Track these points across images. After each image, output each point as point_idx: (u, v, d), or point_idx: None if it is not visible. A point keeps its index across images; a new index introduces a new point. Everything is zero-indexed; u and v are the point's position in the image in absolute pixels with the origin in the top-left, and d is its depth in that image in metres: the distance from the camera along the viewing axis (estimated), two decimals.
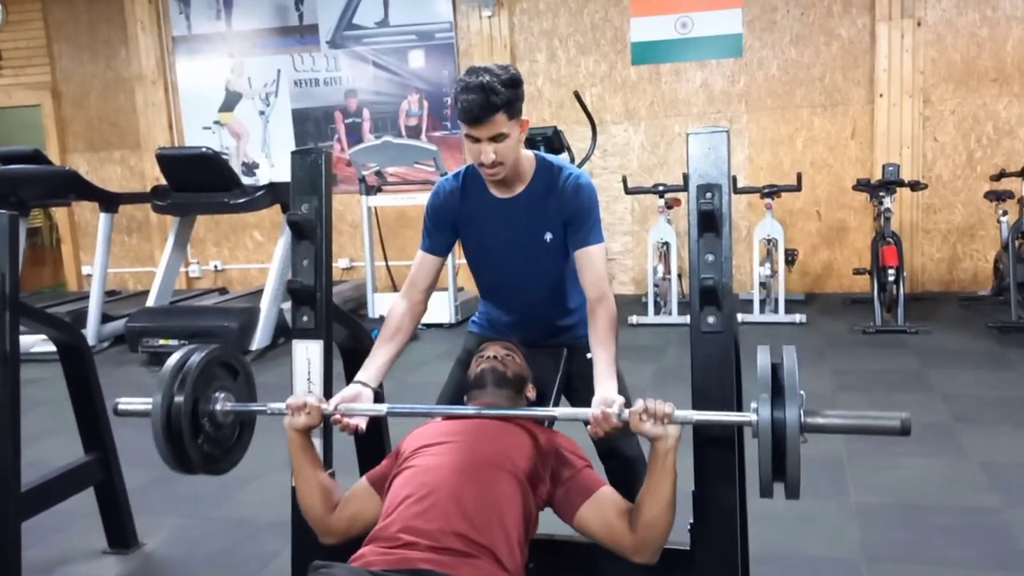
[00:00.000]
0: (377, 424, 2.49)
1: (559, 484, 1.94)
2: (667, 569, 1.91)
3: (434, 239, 2.32)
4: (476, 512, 1.78)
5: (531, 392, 2.22)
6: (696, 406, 1.85)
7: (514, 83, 2.05)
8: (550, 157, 2.29)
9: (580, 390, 2.39)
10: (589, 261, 2.19)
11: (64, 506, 2.88)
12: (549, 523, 1.98)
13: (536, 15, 7.42)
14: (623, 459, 2.37)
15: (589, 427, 1.90)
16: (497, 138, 2.06)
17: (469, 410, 2.06)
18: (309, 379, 2.16)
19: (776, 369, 1.76)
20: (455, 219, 2.30)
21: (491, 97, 2.00)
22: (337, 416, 2.03)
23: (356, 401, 2.08)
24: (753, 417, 1.72)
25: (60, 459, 3.06)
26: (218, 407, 2.07)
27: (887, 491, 3.27)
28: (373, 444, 2.47)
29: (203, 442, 2.04)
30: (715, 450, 1.85)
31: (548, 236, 2.24)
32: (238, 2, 8.00)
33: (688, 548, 1.87)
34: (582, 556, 2.04)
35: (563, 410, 2.06)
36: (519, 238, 2.26)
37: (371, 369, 2.17)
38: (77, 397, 2.97)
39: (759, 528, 2.25)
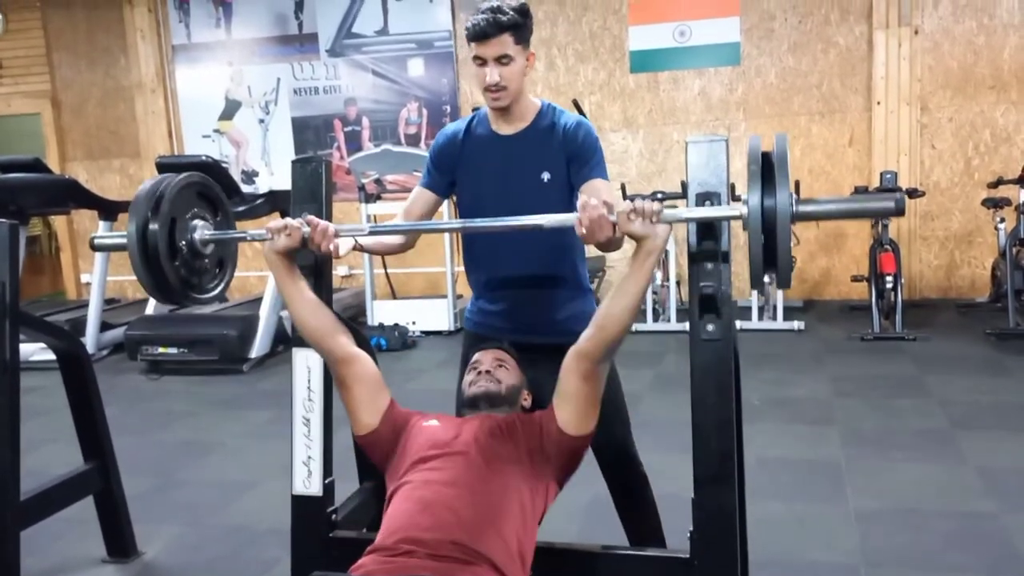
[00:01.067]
0: None
1: (544, 440, 1.96)
2: None
3: (432, 177, 2.38)
4: (473, 522, 1.78)
5: (527, 400, 2.21)
6: (695, 412, 1.85)
7: (523, 11, 2.15)
8: (555, 104, 2.33)
9: None
10: (595, 190, 2.17)
11: (63, 514, 2.88)
12: (550, 531, 1.99)
13: (535, 24, 7.38)
14: (624, 468, 2.37)
15: (576, 223, 1.83)
16: (503, 59, 2.13)
17: (454, 224, 2.05)
18: (309, 387, 2.17)
19: (766, 157, 1.72)
20: (454, 160, 2.34)
21: (499, 16, 2.10)
22: (315, 223, 1.98)
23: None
24: (743, 209, 1.69)
25: (59, 467, 3.06)
26: (196, 235, 2.04)
27: (885, 496, 3.28)
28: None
29: (180, 266, 2.01)
30: (714, 456, 1.85)
31: (546, 176, 2.25)
32: (238, 11, 8.02)
33: (688, 556, 1.87)
34: (583, 563, 2.05)
35: (551, 217, 1.93)
36: (515, 175, 2.26)
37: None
38: (76, 405, 2.97)
39: (758, 533, 2.26)
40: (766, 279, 6.07)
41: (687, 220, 1.82)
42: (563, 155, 2.23)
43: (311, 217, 2.00)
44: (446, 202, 2.52)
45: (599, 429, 2.03)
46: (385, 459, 2.03)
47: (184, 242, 2.02)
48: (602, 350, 1.89)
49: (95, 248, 2.11)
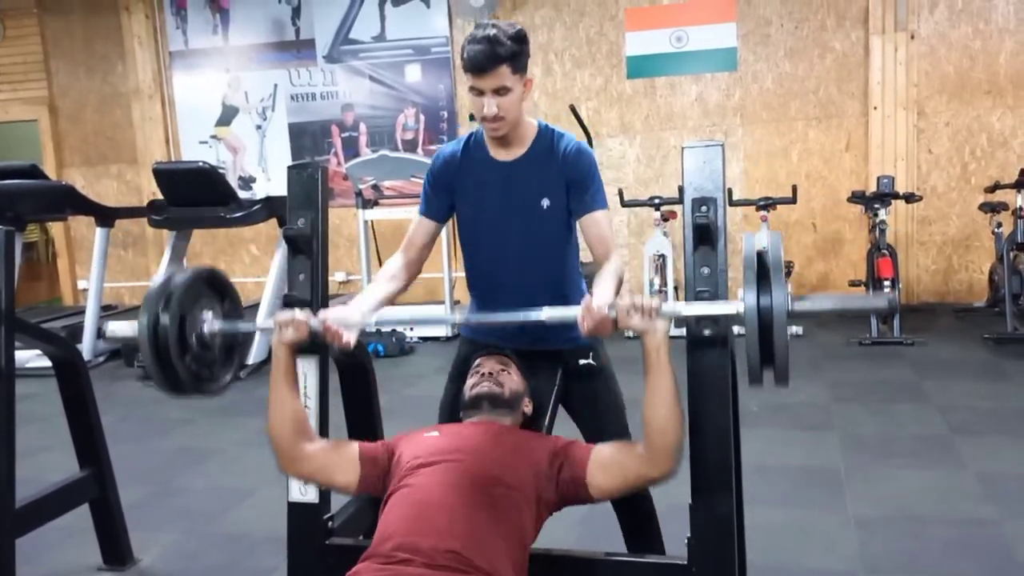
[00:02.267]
0: (371, 418, 2.49)
1: (561, 475, 1.93)
2: None
3: (431, 203, 2.33)
4: (471, 530, 1.77)
5: (528, 407, 2.21)
6: (693, 419, 1.85)
7: (520, 38, 2.09)
8: (553, 126, 2.30)
9: (577, 397, 2.38)
10: (595, 224, 2.18)
11: (59, 522, 2.87)
12: (549, 538, 1.98)
13: (532, 29, 7.44)
14: (642, 514, 2.36)
15: (579, 322, 1.86)
16: (500, 91, 2.08)
17: (458, 317, 2.05)
18: (306, 393, 2.16)
19: (761, 256, 1.74)
20: (452, 183, 2.30)
21: (496, 48, 2.04)
22: (327, 326, 1.98)
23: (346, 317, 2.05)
24: (740, 306, 1.71)
25: (55, 475, 3.05)
26: (206, 327, 2.04)
27: (885, 503, 3.27)
28: (366, 438, 2.45)
29: (191, 361, 2.01)
30: (712, 462, 1.84)
31: (545, 202, 2.23)
32: (235, 17, 8.02)
33: (686, 562, 1.86)
34: (582, 570, 2.04)
35: (552, 311, 1.97)
36: (515, 201, 2.25)
37: (364, 301, 2.16)
38: (72, 412, 2.96)
39: (757, 540, 2.25)
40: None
41: (686, 316, 1.82)
42: (562, 181, 2.22)
43: (328, 322, 1.99)
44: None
45: (597, 438, 2.02)
46: (386, 485, 2.00)
47: (194, 337, 2.03)
48: (664, 458, 1.84)
49: (107, 338, 2.13)
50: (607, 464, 1.91)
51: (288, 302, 2.18)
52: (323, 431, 2.16)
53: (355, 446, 2.04)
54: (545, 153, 2.23)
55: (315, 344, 2.08)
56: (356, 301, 2.16)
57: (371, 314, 2.11)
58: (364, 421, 2.50)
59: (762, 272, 1.71)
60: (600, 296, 1.92)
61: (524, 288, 2.28)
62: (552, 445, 1.99)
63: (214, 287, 2.12)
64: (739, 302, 1.71)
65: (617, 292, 2.05)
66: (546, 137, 2.25)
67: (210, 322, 2.05)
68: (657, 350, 1.82)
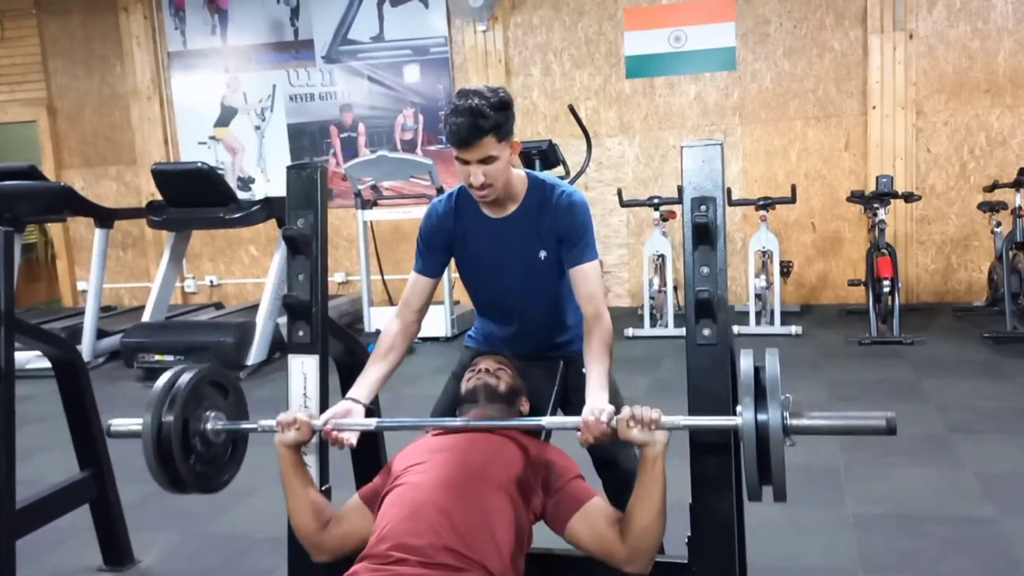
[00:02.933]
0: (372, 439, 2.49)
1: (550, 495, 1.94)
2: None
3: (427, 261, 2.32)
4: (466, 527, 1.77)
5: (524, 406, 2.22)
6: (693, 416, 1.85)
7: (503, 106, 2.04)
8: (542, 175, 2.29)
9: (576, 403, 2.38)
10: (584, 278, 2.19)
11: (59, 523, 2.87)
12: (545, 537, 1.98)
13: (530, 29, 7.46)
14: (621, 472, 2.36)
15: (579, 435, 1.90)
16: (486, 160, 2.05)
17: (458, 422, 2.06)
18: (305, 394, 2.16)
19: (758, 372, 1.76)
20: (449, 241, 2.30)
21: (479, 121, 1.99)
22: (328, 430, 2.02)
23: (347, 417, 2.07)
24: (738, 421, 1.73)
25: (55, 476, 3.05)
26: (209, 426, 2.07)
27: (883, 501, 3.27)
28: (369, 458, 2.46)
29: (195, 462, 2.04)
30: (711, 461, 1.85)
31: (543, 254, 2.24)
32: (233, 18, 8.02)
33: (686, 561, 1.87)
34: (576, 570, 2.04)
35: (552, 419, 2.06)
36: (513, 257, 2.26)
37: (363, 386, 2.17)
38: (72, 413, 2.96)
39: (756, 539, 2.26)
40: (760, 284, 6.02)
41: (685, 428, 1.83)
42: (555, 235, 2.22)
43: (328, 427, 2.01)
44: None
45: (595, 447, 2.02)
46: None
47: (197, 437, 2.05)
48: (640, 560, 1.84)
49: (111, 435, 2.15)
50: (592, 526, 1.89)
51: (288, 302, 2.18)
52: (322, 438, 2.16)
53: (356, 499, 2.05)
54: (537, 206, 2.23)
55: (314, 345, 2.08)
56: (357, 386, 2.17)
57: (371, 421, 2.10)
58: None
59: (759, 391, 1.73)
60: (597, 404, 1.93)
61: (527, 325, 2.37)
62: (546, 461, 1.99)
63: (217, 385, 2.15)
64: (737, 417, 1.74)
65: (609, 369, 2.08)
66: (537, 190, 2.24)
67: (213, 421, 2.07)
68: (654, 461, 1.82)
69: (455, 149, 2.05)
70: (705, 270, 1.88)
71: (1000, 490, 3.31)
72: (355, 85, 7.84)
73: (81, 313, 6.65)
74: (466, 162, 2.06)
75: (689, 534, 1.86)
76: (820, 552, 2.91)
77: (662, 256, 6.38)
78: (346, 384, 2.47)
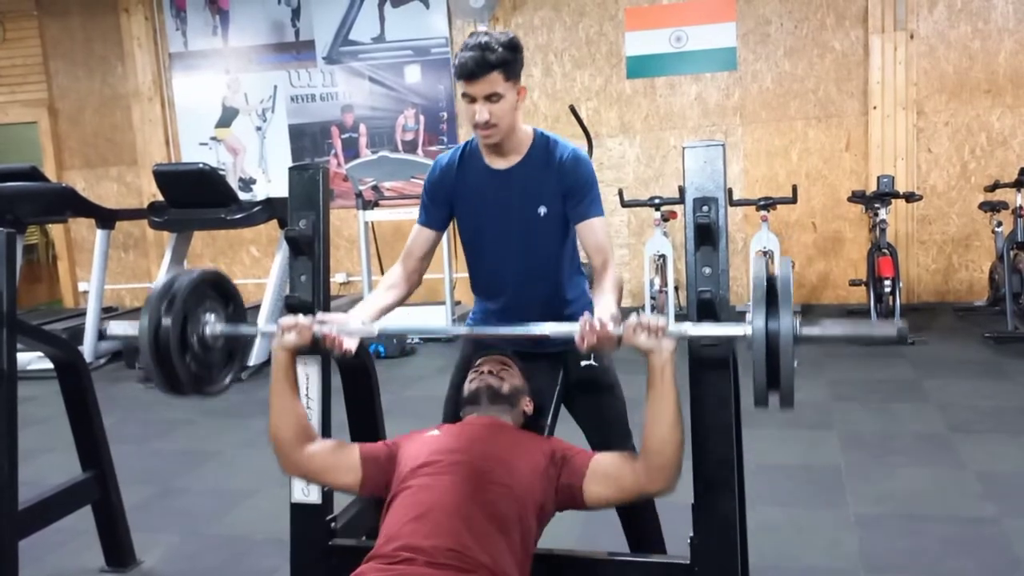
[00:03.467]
0: (372, 418, 2.49)
1: (559, 481, 1.93)
2: None
3: (430, 213, 2.34)
4: (474, 530, 1.77)
5: (528, 406, 2.21)
6: (695, 418, 1.86)
7: (512, 46, 2.09)
8: (548, 133, 2.30)
9: (579, 400, 2.39)
10: (591, 231, 2.19)
11: (61, 524, 2.87)
12: (550, 538, 1.98)
13: (531, 30, 7.46)
14: (642, 510, 2.37)
15: (577, 338, 1.86)
16: (492, 97, 2.08)
17: (461, 329, 2.05)
18: (307, 394, 2.17)
19: (771, 280, 1.74)
20: (450, 193, 2.31)
21: (487, 54, 2.04)
22: (329, 332, 1.99)
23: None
24: (748, 329, 1.71)
25: (57, 477, 3.05)
26: (207, 330, 2.04)
27: (885, 501, 3.27)
28: (368, 439, 2.45)
29: (191, 361, 2.01)
30: (714, 461, 1.85)
31: (542, 210, 2.23)
32: (234, 19, 8.03)
33: (688, 561, 1.87)
34: (584, 570, 2.04)
35: (555, 326, 2.00)
36: (513, 211, 2.25)
37: (364, 309, 2.18)
38: (74, 414, 2.96)
39: (758, 539, 2.26)
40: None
41: (692, 337, 1.82)
42: (559, 189, 2.22)
43: (327, 327, 2.00)
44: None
45: (600, 441, 2.03)
46: (390, 486, 2.01)
47: (195, 337, 2.02)
48: (662, 476, 1.84)
49: (106, 338, 2.13)
50: (605, 475, 1.91)
51: (290, 303, 2.19)
52: (325, 432, 2.16)
53: (356, 449, 2.04)
54: (541, 161, 2.23)
55: (316, 346, 2.08)
56: (357, 309, 2.17)
57: (373, 323, 2.11)
58: (366, 422, 2.51)
59: (771, 295, 1.71)
60: (603, 311, 1.92)
61: (526, 291, 2.30)
62: (551, 448, 2.00)
63: (218, 290, 2.12)
64: (747, 325, 1.72)
65: (618, 302, 2.07)
66: (542, 145, 2.25)
67: (212, 324, 2.05)
68: (662, 370, 1.81)
69: (463, 84, 2.09)
70: (707, 270, 1.88)
71: (1001, 490, 3.31)
72: (356, 86, 7.84)
73: (83, 314, 6.65)
74: (472, 99, 2.09)
75: (691, 534, 1.86)
76: (821, 551, 2.91)
77: (663, 256, 6.38)
78: (348, 385, 2.48)
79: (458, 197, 2.30)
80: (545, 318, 2.32)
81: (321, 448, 2.04)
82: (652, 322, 1.80)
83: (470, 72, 2.05)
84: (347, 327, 2.03)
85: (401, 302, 2.29)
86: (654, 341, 1.80)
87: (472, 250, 2.38)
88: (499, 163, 2.25)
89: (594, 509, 1.96)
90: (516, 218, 2.25)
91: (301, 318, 2.01)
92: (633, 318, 1.81)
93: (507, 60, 2.07)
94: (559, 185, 2.21)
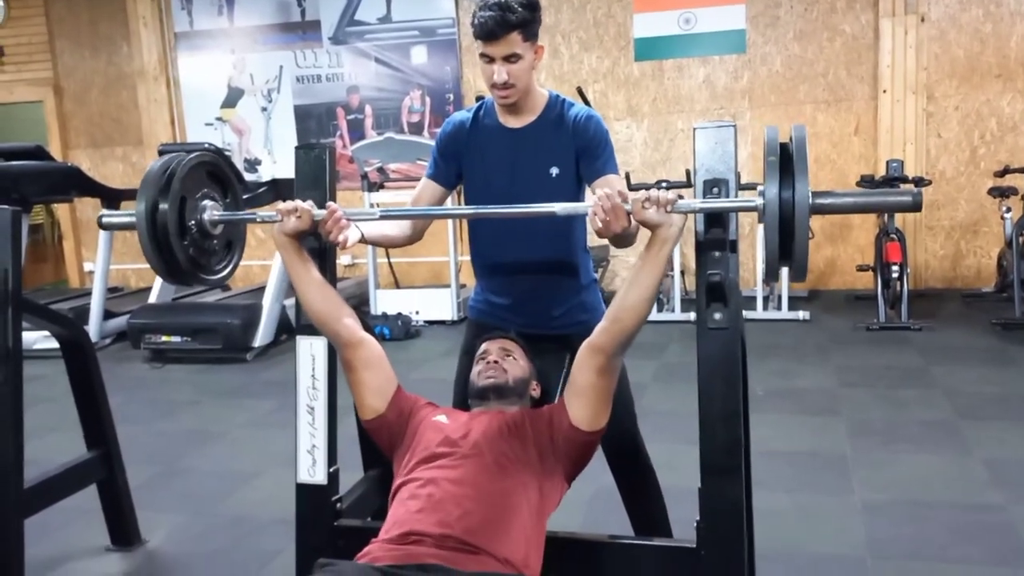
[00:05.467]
0: None
1: (554, 437, 1.95)
2: (674, 567, 1.91)
3: (439, 167, 2.33)
4: (482, 523, 1.77)
5: (535, 390, 2.20)
6: (702, 403, 1.84)
7: (532, 6, 2.08)
8: (563, 95, 2.29)
9: None
10: (609, 186, 2.16)
11: (66, 503, 2.88)
12: (555, 521, 1.98)
13: None
14: (621, 431, 2.33)
15: (590, 215, 1.83)
16: (511, 58, 2.08)
17: (466, 210, 2.03)
18: (313, 375, 2.15)
19: (784, 147, 1.70)
20: (461, 150, 2.29)
21: (507, 15, 2.03)
22: (331, 217, 1.97)
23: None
24: (759, 201, 1.68)
25: (62, 456, 3.05)
26: (206, 215, 2.02)
27: (891, 488, 3.26)
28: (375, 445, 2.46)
29: (189, 245, 1.98)
30: (721, 446, 1.83)
31: (554, 170, 2.22)
32: None
33: (694, 546, 1.86)
34: (589, 553, 2.03)
35: (564, 205, 1.95)
36: (524, 169, 2.23)
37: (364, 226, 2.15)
38: (79, 394, 2.96)
39: (765, 525, 2.25)
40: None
41: (701, 211, 1.80)
42: (572, 149, 2.21)
43: (333, 208, 1.97)
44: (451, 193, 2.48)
45: (608, 427, 2.01)
46: (391, 445, 2.03)
47: (194, 222, 2.00)
48: (617, 343, 1.87)
49: (103, 227, 2.09)
50: (575, 390, 1.93)
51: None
52: (332, 413, 2.15)
53: (394, 382, 2.07)
54: (555, 121, 2.23)
55: (316, 235, 2.03)
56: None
57: (376, 216, 2.06)
58: None
59: (784, 164, 1.66)
60: (612, 186, 1.91)
61: (530, 257, 2.28)
62: (548, 418, 2.00)
63: (216, 177, 2.10)
64: (757, 196, 1.67)
65: (635, 231, 1.99)
66: (556, 106, 2.25)
67: (210, 211, 2.03)
68: (663, 243, 1.80)
69: (481, 44, 2.07)
70: (716, 254, 1.86)
71: (1008, 476, 3.30)
72: (362, 67, 7.80)
73: (88, 294, 6.65)
74: (491, 59, 2.09)
75: (698, 519, 1.85)
76: (828, 538, 2.90)
77: None
78: None
79: (468, 154, 2.29)
80: (546, 296, 2.32)
81: (373, 348, 2.04)
82: (662, 195, 1.77)
83: (489, 32, 2.04)
84: (348, 213, 2.00)
85: (400, 241, 2.27)
86: (664, 215, 1.78)
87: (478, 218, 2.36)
88: (513, 122, 2.24)
89: (594, 429, 1.94)
90: (526, 177, 2.23)
91: (300, 203, 1.97)
92: (642, 192, 1.79)
93: (527, 20, 2.06)
94: (572, 144, 2.20)
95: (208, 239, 2.05)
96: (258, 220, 2.08)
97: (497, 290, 2.37)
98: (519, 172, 2.24)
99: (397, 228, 2.27)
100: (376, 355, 2.05)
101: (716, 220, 1.86)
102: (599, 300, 2.39)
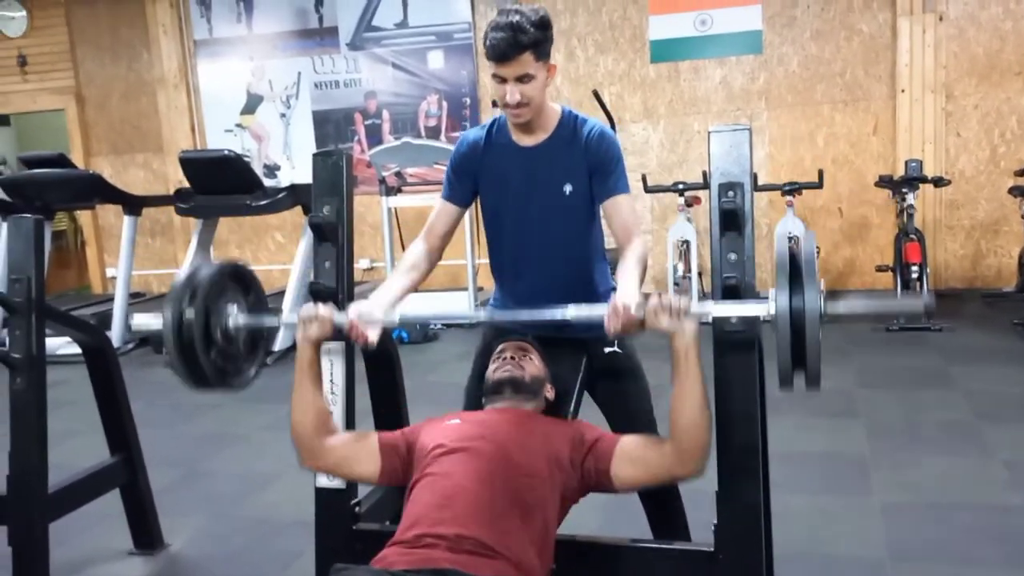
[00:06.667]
0: (396, 410, 2.50)
1: (584, 466, 1.93)
2: (692, 569, 1.91)
3: (454, 188, 2.33)
4: (495, 518, 1.78)
5: (550, 392, 2.20)
6: (719, 405, 1.85)
7: (543, 24, 2.08)
8: (576, 111, 2.29)
9: (602, 387, 2.38)
10: (617, 208, 2.18)
11: (90, 507, 2.91)
12: (573, 524, 1.98)
13: (554, 14, 7.38)
14: (666, 497, 2.35)
15: (606, 323, 1.85)
16: (523, 78, 2.08)
17: (482, 314, 2.05)
18: (331, 379, 2.17)
19: (794, 255, 1.71)
20: (476, 169, 2.30)
21: (519, 36, 2.02)
22: (352, 322, 1.99)
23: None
24: (771, 307, 1.68)
25: (86, 460, 3.09)
26: (230, 321, 2.05)
27: (911, 489, 3.25)
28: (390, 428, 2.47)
29: (215, 356, 2.01)
30: (738, 449, 1.84)
31: (568, 188, 2.22)
32: (259, 5, 8.04)
33: (712, 549, 1.86)
34: (606, 556, 2.04)
35: (577, 308, 1.96)
36: (539, 188, 2.24)
37: (385, 294, 2.16)
38: (102, 399, 3.00)
39: (783, 527, 2.25)
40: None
41: (715, 316, 1.79)
42: (585, 166, 2.21)
43: (353, 317, 1.99)
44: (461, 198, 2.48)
45: (623, 430, 2.01)
46: (409, 474, 2.01)
47: (219, 331, 2.03)
48: (692, 459, 1.83)
49: (132, 332, 2.14)
50: (632, 458, 1.90)
51: (314, 289, 2.19)
52: (350, 418, 2.17)
53: (374, 437, 2.05)
54: (568, 138, 2.23)
55: (340, 332, 2.08)
56: (377, 295, 2.15)
57: (394, 311, 2.09)
58: (390, 409, 2.51)
59: (794, 272, 1.67)
60: (626, 294, 1.90)
61: (548, 274, 2.28)
62: (575, 432, 1.99)
63: (238, 280, 2.13)
64: (770, 303, 1.68)
65: (642, 280, 2.05)
66: (569, 122, 2.25)
67: (235, 316, 2.06)
68: (686, 352, 1.79)
69: (493, 65, 2.08)
70: (733, 256, 1.86)
71: None
72: (379, 72, 7.84)
73: (110, 299, 6.72)
74: (503, 79, 2.09)
75: (715, 522, 1.85)
76: (847, 540, 2.89)
77: (687, 242, 6.35)
78: (372, 371, 2.49)
79: (483, 173, 2.30)
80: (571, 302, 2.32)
81: (340, 440, 2.05)
82: (673, 303, 1.77)
83: (501, 53, 2.04)
84: (369, 316, 2.00)
85: (422, 281, 2.28)
86: (676, 323, 1.78)
87: (494, 229, 2.37)
88: (526, 140, 2.25)
89: (624, 492, 1.95)
90: (541, 195, 2.24)
91: (321, 308, 2.00)
92: (654, 299, 1.79)
93: (538, 40, 2.06)
94: (585, 162, 2.21)
95: (233, 344, 2.07)
96: (281, 324, 2.09)
97: (515, 296, 2.38)
98: (533, 191, 2.25)
99: (415, 276, 2.26)
100: (342, 448, 2.04)
101: (732, 222, 1.87)
102: None
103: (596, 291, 2.34)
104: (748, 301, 1.80)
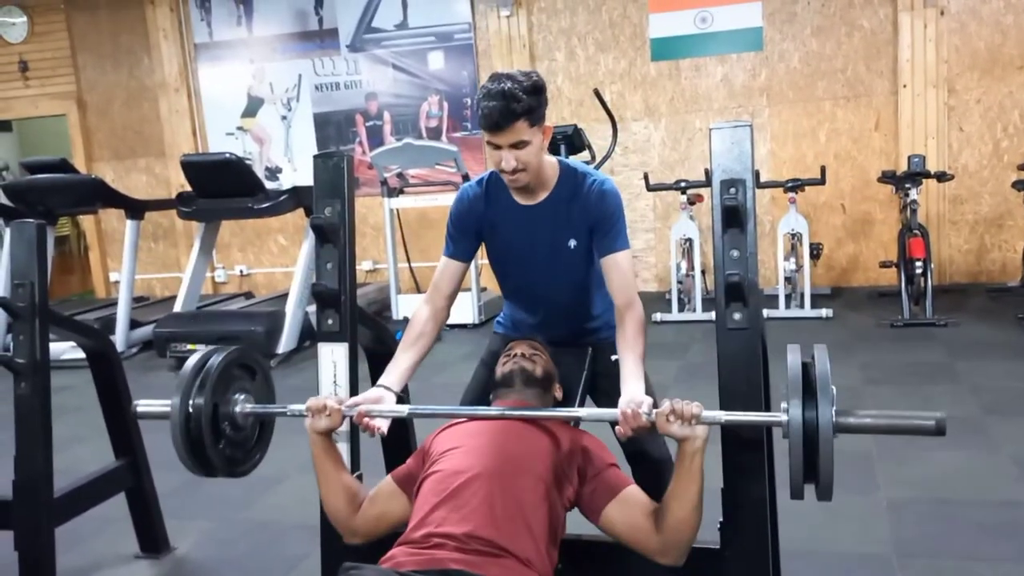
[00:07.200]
0: (403, 425, 2.50)
1: (585, 483, 1.93)
2: (697, 567, 1.90)
3: (458, 245, 2.32)
4: (503, 515, 1.78)
5: (558, 392, 2.22)
6: (723, 403, 1.84)
7: (536, 90, 2.04)
8: (574, 163, 2.29)
9: (605, 389, 2.38)
10: (616, 267, 2.18)
11: (96, 511, 2.91)
12: (577, 524, 1.98)
13: (554, 14, 7.41)
14: (651, 462, 2.35)
15: (617, 427, 1.88)
16: (518, 145, 2.05)
17: (492, 411, 2.04)
18: (335, 381, 2.17)
19: (807, 368, 1.72)
20: (479, 225, 2.30)
21: (512, 104, 1.98)
22: (360, 415, 2.00)
23: (378, 404, 2.05)
24: (783, 417, 1.68)
25: (91, 465, 3.09)
26: (238, 409, 2.06)
27: (917, 485, 3.24)
28: (399, 445, 2.47)
29: (224, 446, 2.03)
30: (744, 447, 1.83)
31: (572, 243, 2.24)
32: (258, 8, 8.05)
33: (718, 547, 1.86)
34: (610, 557, 2.04)
35: (589, 410, 2.03)
36: (543, 245, 2.25)
37: (393, 374, 2.16)
38: (107, 403, 3.00)
39: (789, 524, 2.24)
40: (790, 266, 5.93)
41: (726, 424, 1.79)
42: (586, 224, 2.21)
43: (360, 410, 1.99)
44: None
45: (628, 439, 2.01)
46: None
47: (227, 422, 2.04)
48: (674, 552, 1.82)
49: (138, 417, 2.15)
50: (628, 515, 1.87)
51: (316, 291, 2.19)
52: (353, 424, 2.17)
53: (389, 480, 2.05)
54: (568, 197, 2.22)
55: (343, 333, 2.08)
56: (388, 374, 2.15)
57: (404, 405, 2.11)
58: None
59: (807, 386, 1.68)
60: (634, 395, 1.91)
61: (552, 308, 2.36)
62: (582, 442, 1.99)
63: (245, 367, 2.14)
64: (782, 414, 1.68)
65: (643, 356, 2.06)
66: (569, 178, 2.23)
67: (242, 404, 2.07)
68: (693, 456, 1.78)
69: (487, 133, 2.04)
70: (735, 253, 1.86)
71: None
72: (380, 73, 7.84)
73: (114, 304, 6.73)
74: (498, 147, 2.06)
75: (721, 520, 1.85)
76: (853, 537, 2.89)
77: (689, 240, 6.34)
78: (375, 372, 2.49)
79: (487, 229, 2.30)
80: (573, 331, 2.39)
81: (368, 505, 2.03)
82: (686, 411, 1.76)
83: (495, 123, 2.00)
84: (377, 410, 2.01)
85: (431, 347, 2.26)
86: (687, 429, 1.77)
87: (501, 273, 2.41)
88: (526, 199, 2.24)
89: (603, 530, 1.93)
90: (546, 251, 2.26)
91: (330, 401, 2.00)
92: (666, 404, 1.78)
93: (532, 107, 2.02)
94: (586, 217, 2.20)
95: (240, 431, 2.08)
96: (288, 415, 2.08)
97: (523, 312, 2.44)
98: (538, 245, 2.26)
99: (422, 347, 2.24)
100: (371, 513, 2.02)
101: (734, 219, 1.86)
102: None
103: (591, 314, 2.39)
104: (760, 414, 1.80)
